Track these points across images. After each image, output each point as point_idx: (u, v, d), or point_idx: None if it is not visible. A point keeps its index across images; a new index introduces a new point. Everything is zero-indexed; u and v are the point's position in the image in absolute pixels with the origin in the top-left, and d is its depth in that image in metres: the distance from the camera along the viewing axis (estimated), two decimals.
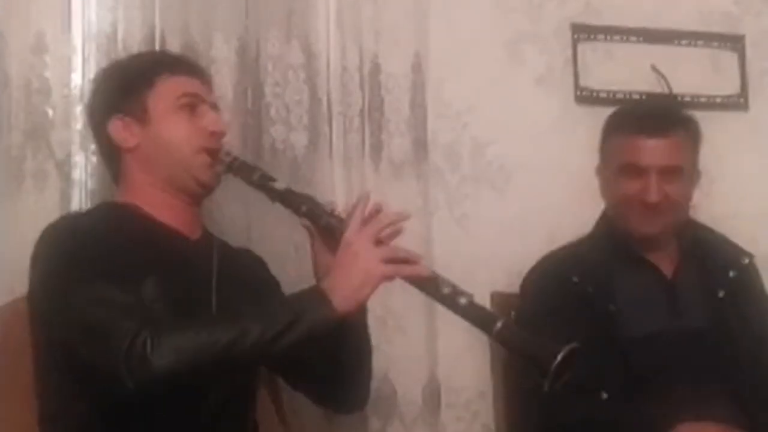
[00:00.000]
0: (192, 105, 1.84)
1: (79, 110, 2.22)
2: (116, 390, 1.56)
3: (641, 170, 2.11)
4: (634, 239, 2.17)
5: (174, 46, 2.28)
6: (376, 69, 2.46)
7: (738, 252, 2.25)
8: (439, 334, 2.45)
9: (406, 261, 1.68)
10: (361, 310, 1.77)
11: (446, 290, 1.68)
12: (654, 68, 2.71)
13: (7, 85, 2.20)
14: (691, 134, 2.17)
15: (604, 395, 2.04)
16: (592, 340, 2.05)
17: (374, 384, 2.39)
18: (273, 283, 1.95)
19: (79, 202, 2.19)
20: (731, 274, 2.19)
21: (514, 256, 2.42)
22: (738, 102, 2.80)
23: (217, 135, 1.85)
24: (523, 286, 2.26)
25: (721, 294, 2.15)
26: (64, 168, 2.21)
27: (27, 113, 2.21)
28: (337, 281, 1.64)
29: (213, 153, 1.82)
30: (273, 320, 1.60)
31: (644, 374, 2.07)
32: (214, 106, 1.91)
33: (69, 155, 2.21)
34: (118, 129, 1.84)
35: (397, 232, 1.71)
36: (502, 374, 2.31)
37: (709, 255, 2.21)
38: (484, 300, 2.32)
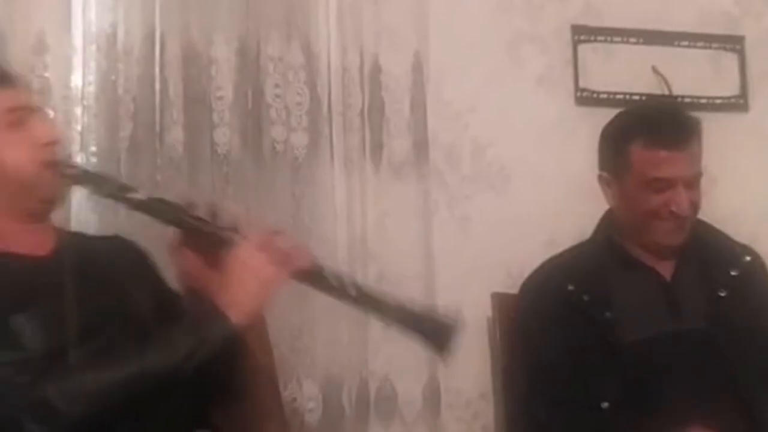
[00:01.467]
0: (20, 119, 1.67)
1: (79, 111, 2.23)
2: None
3: (668, 183, 2.08)
4: (651, 249, 2.15)
5: (174, 47, 2.28)
6: (376, 69, 2.46)
7: (739, 250, 2.23)
8: None
9: (292, 257, 1.65)
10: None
11: (335, 283, 1.67)
12: (654, 69, 2.71)
13: None
14: (701, 137, 2.15)
15: (605, 404, 2.03)
16: (590, 348, 2.06)
17: (375, 384, 2.41)
18: (145, 266, 1.83)
19: (80, 203, 2.19)
20: (732, 272, 2.16)
21: (514, 257, 2.42)
22: (738, 103, 2.80)
23: (52, 145, 1.69)
24: (520, 294, 2.24)
25: (722, 293, 2.13)
26: None
27: None
28: (233, 295, 1.60)
29: (53, 166, 1.68)
30: (174, 350, 1.57)
31: (646, 378, 2.06)
32: (42, 113, 1.78)
33: (70, 156, 2.20)
34: None
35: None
36: (503, 375, 2.31)
37: (709, 254, 2.19)
38: (484, 301, 2.34)
